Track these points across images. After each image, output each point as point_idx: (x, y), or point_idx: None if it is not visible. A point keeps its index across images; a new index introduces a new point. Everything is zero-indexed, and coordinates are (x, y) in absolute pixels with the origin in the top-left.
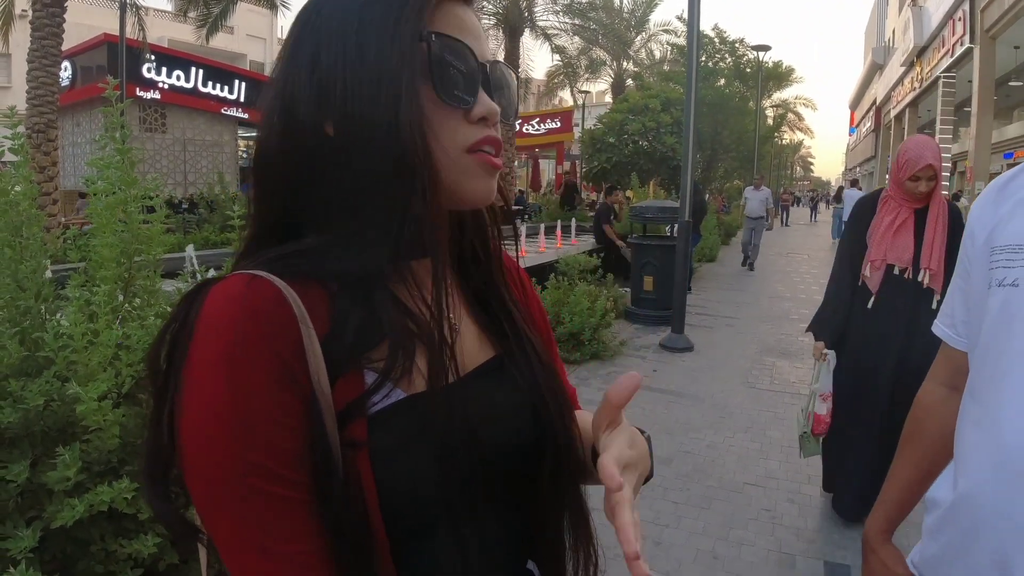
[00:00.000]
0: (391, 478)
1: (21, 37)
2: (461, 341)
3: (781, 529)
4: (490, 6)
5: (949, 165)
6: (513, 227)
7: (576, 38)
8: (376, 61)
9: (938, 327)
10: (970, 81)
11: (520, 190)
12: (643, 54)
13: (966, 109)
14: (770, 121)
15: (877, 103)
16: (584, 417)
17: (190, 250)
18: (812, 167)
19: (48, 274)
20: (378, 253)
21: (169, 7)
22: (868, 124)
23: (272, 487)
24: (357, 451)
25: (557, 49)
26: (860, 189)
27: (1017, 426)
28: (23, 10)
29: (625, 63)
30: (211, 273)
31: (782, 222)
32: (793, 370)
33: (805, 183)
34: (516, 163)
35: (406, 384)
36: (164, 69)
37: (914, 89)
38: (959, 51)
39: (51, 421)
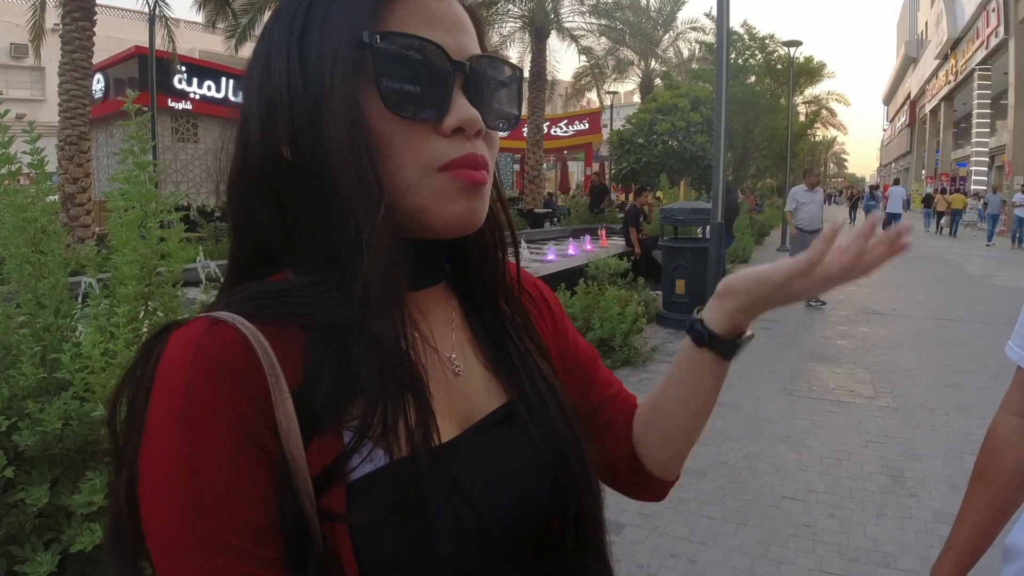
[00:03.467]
0: (374, 556)
1: (54, 51)
2: (466, 386)
3: (822, 546)
4: (516, 9)
5: (987, 160)
6: (512, 237)
7: (603, 39)
8: (315, 72)
9: (1012, 350)
10: (1006, 73)
11: (549, 192)
12: (671, 53)
13: (1003, 102)
14: (803, 118)
15: (911, 97)
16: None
17: (202, 259)
18: (846, 164)
19: (89, 284)
20: (353, 296)
21: (199, 19)
22: (903, 119)
23: (239, 565)
24: (335, 523)
25: (584, 50)
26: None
27: None
28: (55, 24)
29: (653, 62)
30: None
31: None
32: (833, 376)
33: (839, 180)
34: (544, 166)
35: (390, 443)
36: (195, 80)
37: (949, 82)
38: (994, 43)
39: (70, 442)
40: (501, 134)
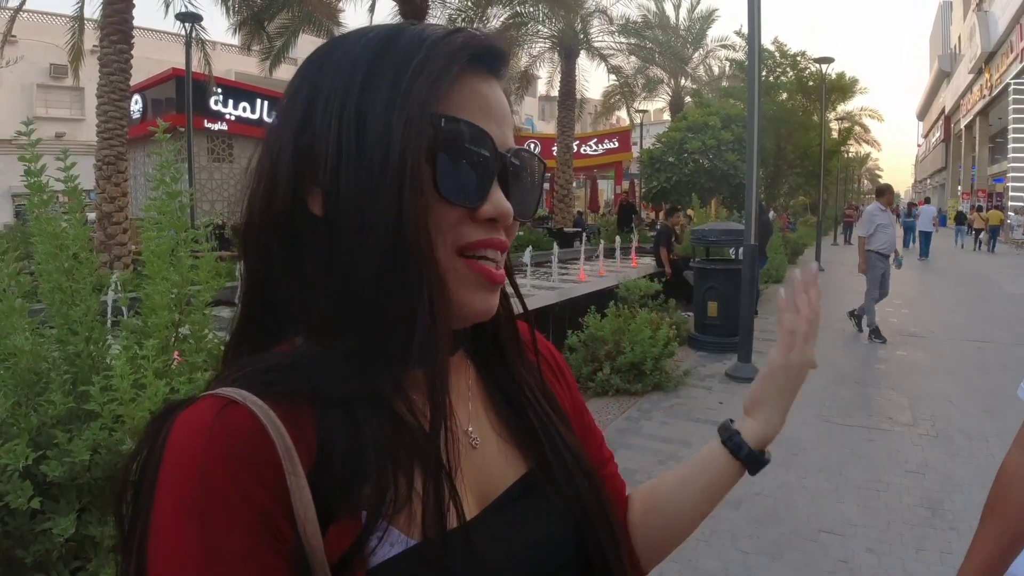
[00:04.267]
0: None
1: (92, 71)
2: (483, 458)
3: None
4: (545, 30)
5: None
6: (511, 279)
7: (632, 57)
8: (381, 135)
9: None
10: None
11: (579, 211)
12: (701, 71)
13: None
14: (835, 134)
15: (946, 112)
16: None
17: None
18: (880, 180)
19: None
20: (379, 374)
21: (234, 41)
22: (937, 134)
23: None
24: None
25: (613, 69)
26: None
27: None
28: (93, 46)
29: (683, 80)
30: None
31: (846, 239)
32: (870, 401)
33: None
34: (574, 184)
35: (408, 523)
36: (231, 101)
37: (984, 96)
38: None
39: (98, 472)
40: None
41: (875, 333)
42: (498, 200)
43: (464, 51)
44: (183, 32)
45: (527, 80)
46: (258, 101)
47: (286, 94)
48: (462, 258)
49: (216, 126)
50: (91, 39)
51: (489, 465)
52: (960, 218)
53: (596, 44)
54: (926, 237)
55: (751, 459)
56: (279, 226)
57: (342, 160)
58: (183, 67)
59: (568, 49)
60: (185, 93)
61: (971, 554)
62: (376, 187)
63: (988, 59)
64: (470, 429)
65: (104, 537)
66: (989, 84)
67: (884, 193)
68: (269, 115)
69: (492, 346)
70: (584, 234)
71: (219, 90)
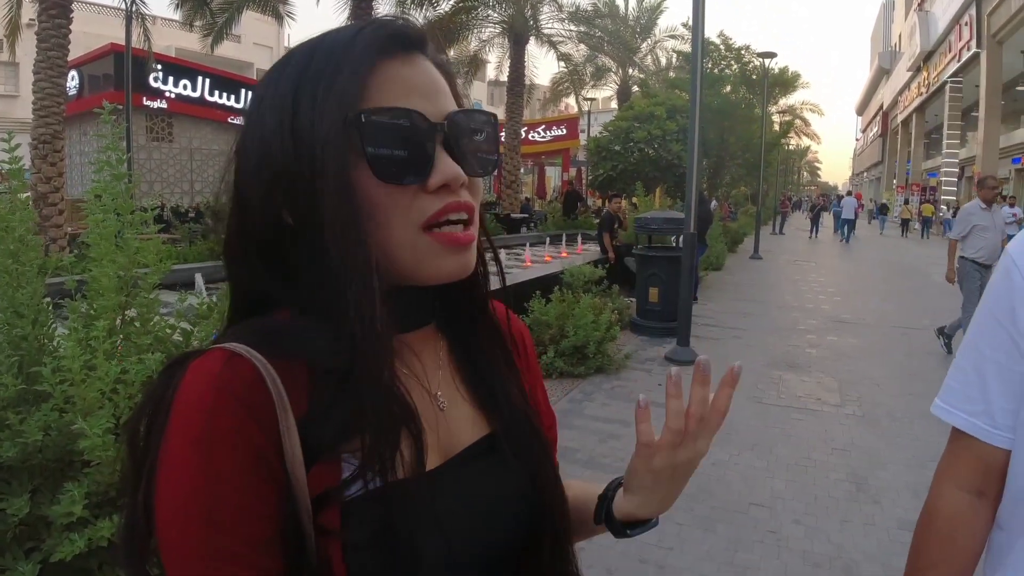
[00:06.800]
0: (361, 568)
1: (29, 46)
2: (449, 419)
3: (787, 552)
4: (495, 14)
5: (956, 171)
6: (495, 253)
7: (582, 45)
8: (308, 152)
9: (957, 416)
10: (977, 86)
11: (526, 197)
12: (649, 61)
13: (973, 114)
14: (777, 127)
15: (884, 108)
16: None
17: (199, 279)
18: (819, 172)
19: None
20: (345, 347)
21: (176, 16)
22: (875, 129)
23: (243, 571)
24: (329, 538)
25: (562, 57)
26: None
27: None
28: (30, 19)
29: (631, 70)
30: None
31: (779, 230)
32: (800, 384)
33: (812, 188)
34: (522, 170)
35: (383, 472)
36: (171, 78)
37: (921, 94)
38: (966, 56)
39: (49, 453)
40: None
41: (944, 337)
42: (443, 167)
43: (372, 46)
44: (123, 6)
45: (476, 65)
46: (199, 78)
47: (244, 125)
48: (428, 232)
49: (156, 104)
50: (29, 12)
51: (453, 426)
52: (883, 208)
53: (546, 31)
54: (849, 224)
55: (613, 528)
56: (257, 242)
57: (293, 178)
58: (122, 42)
59: (518, 35)
60: (124, 69)
61: None
62: (317, 195)
63: (927, 57)
64: (439, 393)
65: (57, 516)
66: (927, 82)
67: (984, 185)
68: (210, 93)
69: (466, 322)
70: (531, 220)
71: (159, 67)
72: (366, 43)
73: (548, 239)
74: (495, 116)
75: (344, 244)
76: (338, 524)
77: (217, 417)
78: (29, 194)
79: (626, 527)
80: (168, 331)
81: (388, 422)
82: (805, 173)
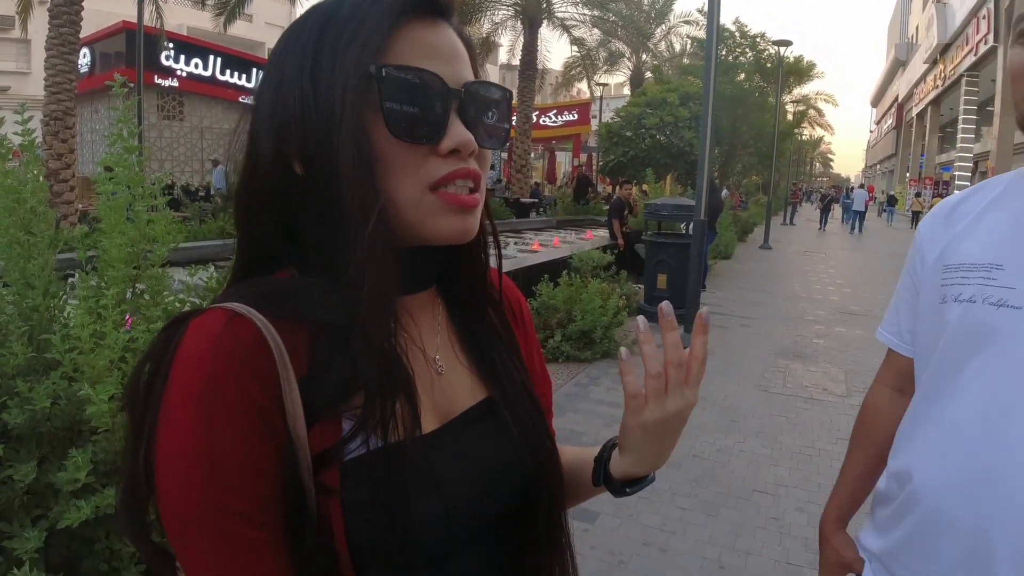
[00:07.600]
0: (360, 527)
1: (41, 23)
2: (447, 383)
3: (789, 539)
4: None
5: (971, 165)
6: (495, 239)
7: (595, 30)
8: (326, 100)
9: (883, 335)
10: (993, 80)
11: (536, 182)
12: (663, 47)
13: (989, 108)
14: (790, 116)
15: (899, 100)
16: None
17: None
18: (832, 164)
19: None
20: (351, 300)
21: None
22: (889, 121)
23: (245, 529)
24: (329, 497)
25: (576, 41)
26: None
27: (977, 432)
28: None
29: (644, 56)
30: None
31: (791, 220)
32: (807, 373)
33: (824, 180)
34: (532, 155)
35: (383, 432)
36: (182, 57)
37: (937, 87)
38: (983, 49)
39: (58, 421)
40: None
41: None
42: (456, 132)
43: (399, 4)
44: None
45: (488, 47)
46: (211, 57)
47: (262, 77)
48: (434, 192)
49: (167, 82)
50: None
51: (452, 391)
52: (891, 200)
53: (559, 14)
54: (860, 216)
55: (612, 488)
56: (268, 193)
57: (307, 126)
58: (134, 20)
59: (531, 18)
60: (136, 47)
61: (842, 475)
62: (332, 143)
63: (943, 50)
64: (437, 357)
65: (63, 482)
66: (943, 75)
67: None
68: (222, 72)
69: (464, 288)
70: (541, 205)
71: (171, 45)
72: (389, 4)
73: (558, 224)
74: (511, 92)
75: (358, 193)
76: (338, 483)
77: (218, 376)
78: (42, 168)
79: (624, 485)
80: (177, 305)
81: (386, 380)
82: (818, 164)
